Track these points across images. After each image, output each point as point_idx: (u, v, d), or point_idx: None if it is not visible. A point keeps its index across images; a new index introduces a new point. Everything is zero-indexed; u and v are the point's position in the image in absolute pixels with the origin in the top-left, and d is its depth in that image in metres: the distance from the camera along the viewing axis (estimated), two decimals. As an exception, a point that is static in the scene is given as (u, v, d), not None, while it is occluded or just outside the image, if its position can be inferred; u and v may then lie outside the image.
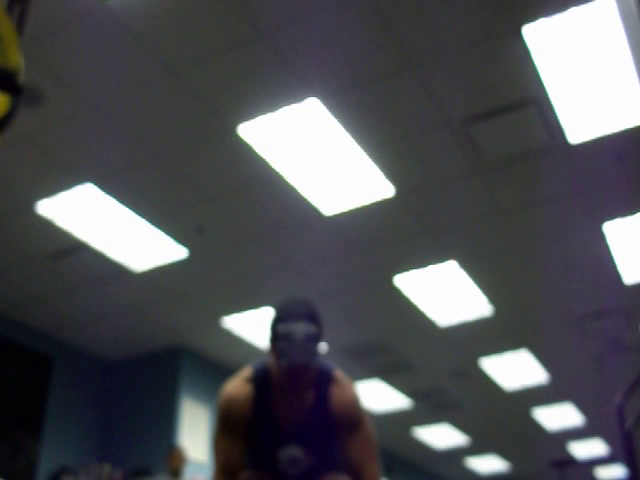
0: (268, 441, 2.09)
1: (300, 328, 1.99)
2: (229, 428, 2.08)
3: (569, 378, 8.41)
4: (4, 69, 1.66)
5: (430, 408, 9.11)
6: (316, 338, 2.02)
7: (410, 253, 5.77)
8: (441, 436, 10.22)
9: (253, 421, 2.08)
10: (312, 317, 2.03)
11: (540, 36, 3.73)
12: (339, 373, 2.15)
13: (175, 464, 5.71)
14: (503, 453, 11.32)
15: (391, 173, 4.79)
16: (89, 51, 3.78)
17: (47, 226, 5.17)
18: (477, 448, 10.86)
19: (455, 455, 11.12)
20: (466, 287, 6.27)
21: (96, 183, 4.78)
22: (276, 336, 2.02)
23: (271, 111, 4.18)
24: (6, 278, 5.89)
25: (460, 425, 9.90)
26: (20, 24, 1.79)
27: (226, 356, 7.28)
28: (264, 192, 4.90)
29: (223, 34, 3.71)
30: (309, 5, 3.55)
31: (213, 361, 7.38)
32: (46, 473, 6.33)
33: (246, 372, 2.13)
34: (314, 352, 2.00)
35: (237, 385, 2.11)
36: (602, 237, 5.60)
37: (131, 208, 5.05)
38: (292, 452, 2.08)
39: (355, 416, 2.10)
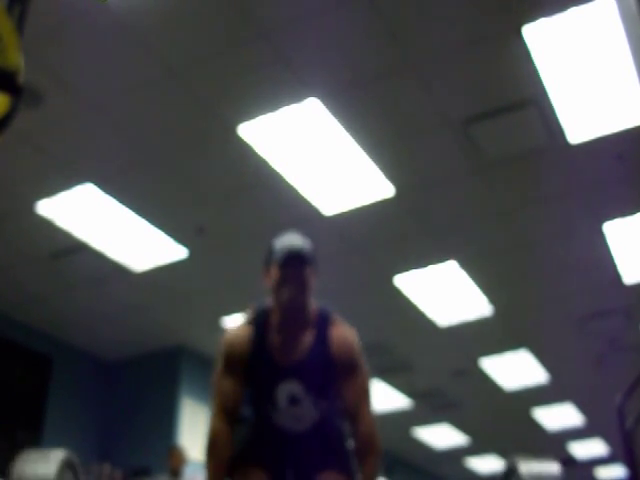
0: (267, 378, 2.10)
1: (296, 238, 2.10)
2: (228, 368, 2.12)
3: (569, 378, 8.41)
4: (4, 69, 1.65)
5: (430, 408, 9.10)
6: (312, 254, 2.10)
7: (410, 253, 5.77)
8: (441, 436, 10.21)
9: (252, 360, 2.10)
10: (306, 241, 2.12)
11: (540, 36, 3.73)
12: (338, 317, 2.19)
13: (175, 464, 5.70)
14: (503, 453, 11.32)
15: (391, 173, 4.79)
16: (89, 51, 3.78)
17: (47, 226, 5.16)
18: (477, 448, 10.86)
19: (455, 455, 11.12)
20: (466, 287, 6.27)
21: (96, 183, 4.78)
22: (272, 252, 2.10)
23: (271, 111, 4.18)
24: (6, 278, 5.89)
25: (460, 425, 9.90)
26: (20, 24, 1.79)
27: (226, 356, 7.26)
28: (264, 192, 4.90)
29: (223, 34, 3.71)
30: (309, 5, 3.55)
31: (213, 361, 7.37)
32: (46, 473, 6.32)
33: (247, 316, 2.18)
34: (310, 258, 2.08)
35: (237, 327, 2.17)
36: (602, 237, 5.60)
37: (131, 208, 5.05)
38: (291, 388, 2.09)
39: (353, 358, 2.12)
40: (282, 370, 2.09)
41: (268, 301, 2.15)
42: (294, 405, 2.10)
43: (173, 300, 6.32)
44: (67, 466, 2.00)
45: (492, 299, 6.51)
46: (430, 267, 5.94)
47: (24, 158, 4.52)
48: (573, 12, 3.60)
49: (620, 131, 4.42)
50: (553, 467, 2.02)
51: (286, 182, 4.78)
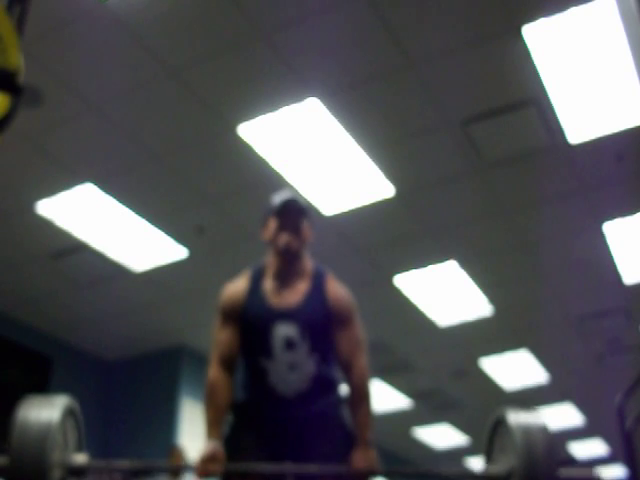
0: (262, 321, 2.13)
1: (292, 193, 2.26)
2: (224, 319, 2.20)
3: (569, 378, 8.40)
4: (4, 69, 1.66)
5: (430, 408, 9.10)
6: (308, 208, 2.25)
7: (410, 253, 5.77)
8: (441, 436, 10.21)
9: (247, 306, 2.16)
10: (303, 198, 2.26)
11: (540, 36, 3.73)
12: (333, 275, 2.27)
13: (175, 464, 5.70)
14: (503, 453, 11.29)
15: (391, 173, 4.79)
16: (89, 51, 3.77)
17: (47, 226, 5.16)
18: (477, 448, 10.84)
19: (455, 455, 11.11)
20: (466, 287, 6.27)
21: (96, 183, 4.78)
22: (269, 207, 2.23)
23: (271, 111, 4.18)
24: (6, 278, 5.88)
25: (460, 425, 9.90)
26: (20, 24, 1.79)
27: (226, 356, 7.26)
28: (264, 192, 4.88)
29: (223, 34, 3.71)
30: (309, 5, 3.55)
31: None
32: (46, 473, 6.31)
33: (245, 272, 2.27)
34: (306, 210, 2.22)
35: (235, 281, 2.25)
36: (602, 237, 5.60)
37: (131, 208, 5.05)
38: (286, 330, 2.11)
39: (348, 309, 2.19)
40: (278, 313, 2.13)
41: (265, 260, 2.23)
42: (290, 350, 2.11)
43: (173, 300, 6.32)
44: (69, 413, 2.02)
45: (492, 299, 6.51)
46: (430, 267, 5.94)
47: (24, 158, 4.51)
48: (573, 12, 3.59)
49: (620, 131, 4.42)
50: (541, 418, 2.05)
51: (286, 182, 4.78)
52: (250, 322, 2.15)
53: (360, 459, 2.05)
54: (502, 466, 2.07)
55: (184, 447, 6.01)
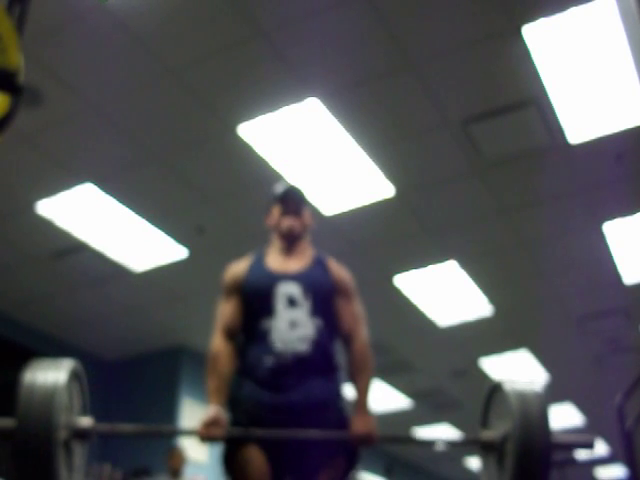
0: (264, 283, 2.20)
1: (293, 185, 2.39)
2: (227, 293, 2.28)
3: (569, 378, 8.40)
4: (4, 69, 1.66)
5: (430, 408, 9.10)
6: (307, 198, 2.40)
7: (410, 253, 5.77)
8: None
9: (249, 275, 2.24)
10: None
11: (540, 36, 3.73)
12: None
13: (175, 464, 5.70)
14: (503, 453, 11.28)
15: (391, 173, 4.79)
16: (89, 51, 3.78)
17: (47, 226, 5.16)
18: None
19: (455, 455, 11.11)
20: (466, 287, 6.27)
21: (96, 183, 4.78)
22: (271, 197, 2.38)
23: (271, 111, 4.18)
24: (6, 278, 5.89)
25: (460, 425, 9.90)
26: (20, 24, 1.79)
27: (226, 356, 7.26)
28: (264, 192, 4.89)
29: (223, 34, 3.71)
30: (309, 5, 3.55)
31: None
32: (46, 473, 6.30)
33: (248, 255, 2.38)
34: (306, 199, 2.38)
35: (239, 260, 2.35)
36: (602, 237, 5.60)
37: (131, 208, 5.05)
38: (289, 288, 2.18)
39: (350, 284, 2.33)
40: (280, 276, 2.21)
41: (266, 247, 2.36)
42: (291, 307, 2.14)
43: (173, 300, 6.32)
44: (74, 376, 2.05)
45: (492, 299, 6.51)
46: (430, 267, 5.94)
47: (24, 158, 4.52)
48: (573, 12, 3.60)
49: (620, 131, 4.42)
50: (536, 386, 2.07)
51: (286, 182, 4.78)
52: (252, 287, 2.21)
53: (360, 424, 2.07)
54: (497, 431, 2.09)
55: (184, 448, 6.01)
